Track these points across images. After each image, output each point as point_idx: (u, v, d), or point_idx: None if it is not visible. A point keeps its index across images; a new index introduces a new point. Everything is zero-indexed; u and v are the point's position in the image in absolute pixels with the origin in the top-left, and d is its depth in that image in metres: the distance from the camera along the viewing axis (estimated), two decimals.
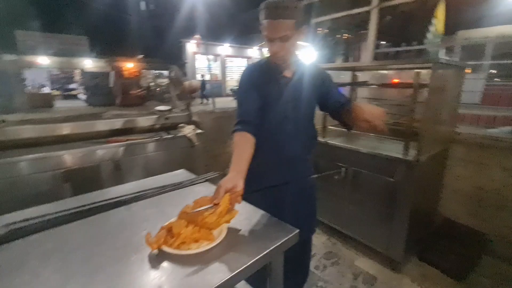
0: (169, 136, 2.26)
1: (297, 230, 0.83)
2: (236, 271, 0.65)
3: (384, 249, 1.86)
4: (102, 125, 2.12)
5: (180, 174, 1.38)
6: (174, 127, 2.50)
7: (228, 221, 0.82)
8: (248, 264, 0.67)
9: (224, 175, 0.88)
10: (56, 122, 1.95)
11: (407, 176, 1.69)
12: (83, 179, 1.81)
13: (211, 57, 14.54)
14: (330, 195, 2.15)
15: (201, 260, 0.69)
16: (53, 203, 1.03)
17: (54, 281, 0.63)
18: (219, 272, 0.65)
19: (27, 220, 0.88)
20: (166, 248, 0.69)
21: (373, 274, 1.84)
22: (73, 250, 0.75)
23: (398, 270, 1.85)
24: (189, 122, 2.64)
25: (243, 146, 0.98)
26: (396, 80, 2.34)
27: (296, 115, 1.13)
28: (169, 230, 0.74)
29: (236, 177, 0.84)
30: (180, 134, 2.34)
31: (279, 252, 0.77)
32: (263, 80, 1.11)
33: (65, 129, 1.95)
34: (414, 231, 1.80)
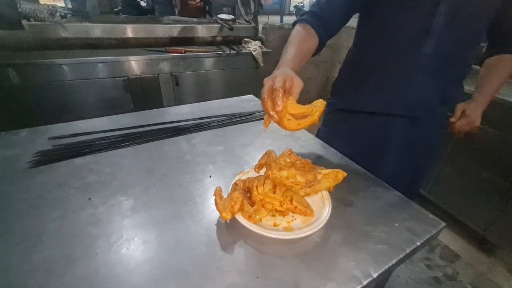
0: (232, 52, 1.92)
1: (443, 224, 0.51)
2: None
3: (482, 228, 1.48)
4: (161, 31, 1.86)
5: (249, 101, 1.09)
6: (238, 41, 2.12)
7: (330, 188, 0.54)
8: (375, 276, 0.41)
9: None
10: (115, 23, 1.73)
11: None
12: (143, 91, 1.68)
13: None
14: None
15: (293, 248, 0.45)
16: (107, 118, 0.87)
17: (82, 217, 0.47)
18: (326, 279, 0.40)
19: (75, 135, 0.73)
20: (242, 220, 0.46)
21: (455, 251, 1.53)
22: (116, 189, 0.57)
23: (491, 253, 1.51)
24: (255, 37, 2.20)
25: (301, 42, 0.64)
26: None
27: (448, 34, 0.66)
28: (247, 190, 0.50)
29: (288, 70, 0.52)
30: (244, 51, 1.97)
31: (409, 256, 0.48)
32: None
33: (125, 31, 1.74)
34: None
